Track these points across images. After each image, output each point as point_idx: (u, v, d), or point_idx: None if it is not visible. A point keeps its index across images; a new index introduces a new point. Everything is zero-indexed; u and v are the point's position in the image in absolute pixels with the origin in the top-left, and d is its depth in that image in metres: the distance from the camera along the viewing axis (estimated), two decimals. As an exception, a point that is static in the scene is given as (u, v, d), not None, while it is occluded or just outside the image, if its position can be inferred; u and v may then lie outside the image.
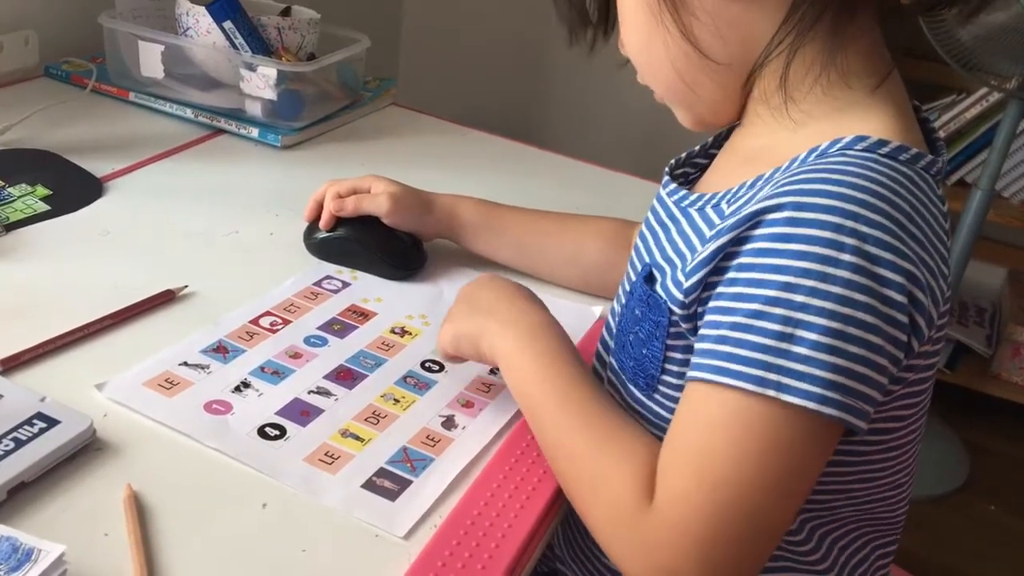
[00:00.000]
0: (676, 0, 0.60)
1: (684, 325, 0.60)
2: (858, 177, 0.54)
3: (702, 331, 0.57)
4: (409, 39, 2.17)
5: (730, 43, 0.61)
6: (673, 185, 0.69)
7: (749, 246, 0.55)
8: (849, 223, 0.52)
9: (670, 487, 0.56)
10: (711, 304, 0.57)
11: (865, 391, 0.53)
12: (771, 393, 0.52)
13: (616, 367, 0.69)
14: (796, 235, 0.53)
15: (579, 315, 0.85)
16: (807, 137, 0.60)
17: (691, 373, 0.56)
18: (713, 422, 0.55)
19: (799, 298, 0.52)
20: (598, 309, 0.86)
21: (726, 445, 0.54)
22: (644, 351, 0.64)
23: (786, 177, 0.57)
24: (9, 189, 0.91)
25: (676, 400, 0.61)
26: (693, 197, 0.66)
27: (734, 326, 0.54)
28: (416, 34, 2.16)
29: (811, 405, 0.52)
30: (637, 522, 0.57)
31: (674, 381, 0.63)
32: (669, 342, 0.62)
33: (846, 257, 0.52)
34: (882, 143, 0.57)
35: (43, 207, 0.90)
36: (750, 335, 0.53)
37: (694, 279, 0.58)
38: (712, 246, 0.57)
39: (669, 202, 0.68)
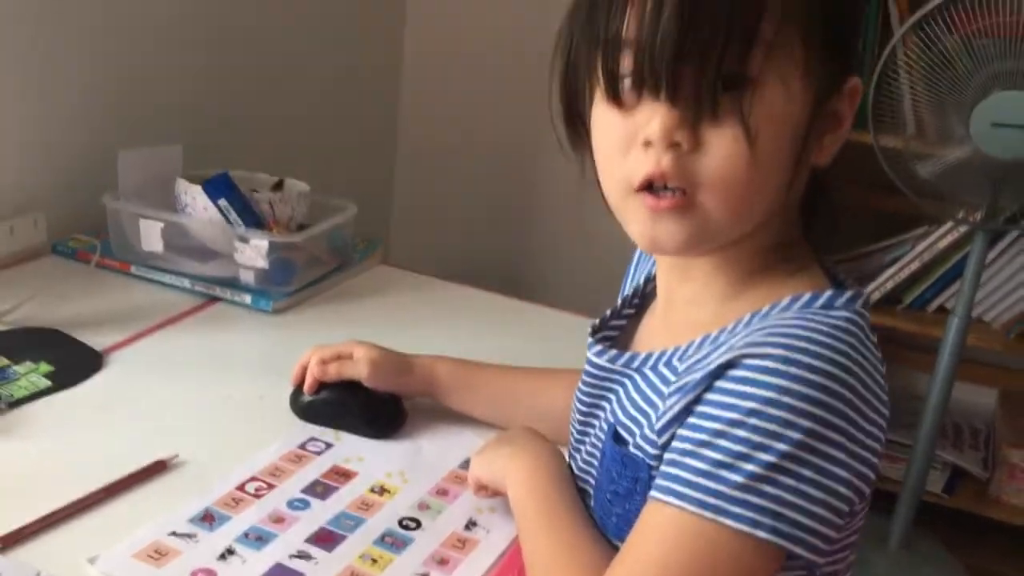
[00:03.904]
0: (810, 139, 0.63)
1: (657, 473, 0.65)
2: (806, 330, 0.60)
3: (664, 456, 0.63)
4: (401, 199, 2.27)
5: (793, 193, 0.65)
6: (601, 348, 0.73)
7: (715, 384, 0.61)
8: (799, 372, 0.58)
9: None
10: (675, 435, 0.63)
11: (802, 520, 0.58)
12: (709, 515, 0.58)
13: (599, 524, 0.72)
14: (753, 379, 0.59)
15: (551, 467, 0.89)
16: (756, 298, 0.65)
17: (651, 493, 0.62)
18: (654, 534, 0.61)
19: (742, 433, 0.58)
20: (570, 460, 0.90)
21: (660, 554, 0.60)
22: (627, 506, 0.68)
23: (750, 333, 0.62)
24: (15, 367, 0.97)
25: None
26: (642, 357, 0.70)
27: (683, 452, 0.61)
28: (408, 194, 2.27)
29: (757, 532, 0.58)
30: None
31: None
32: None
33: (788, 400, 0.57)
34: (816, 296, 0.63)
35: (45, 383, 0.95)
36: (696, 461, 0.60)
37: (667, 435, 0.63)
38: (683, 401, 0.62)
39: (612, 365, 0.71)
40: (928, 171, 1.66)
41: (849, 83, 0.64)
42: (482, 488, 0.82)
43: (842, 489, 0.59)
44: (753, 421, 0.58)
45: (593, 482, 0.73)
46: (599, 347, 0.73)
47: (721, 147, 0.60)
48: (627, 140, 0.63)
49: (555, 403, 0.92)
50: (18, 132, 1.25)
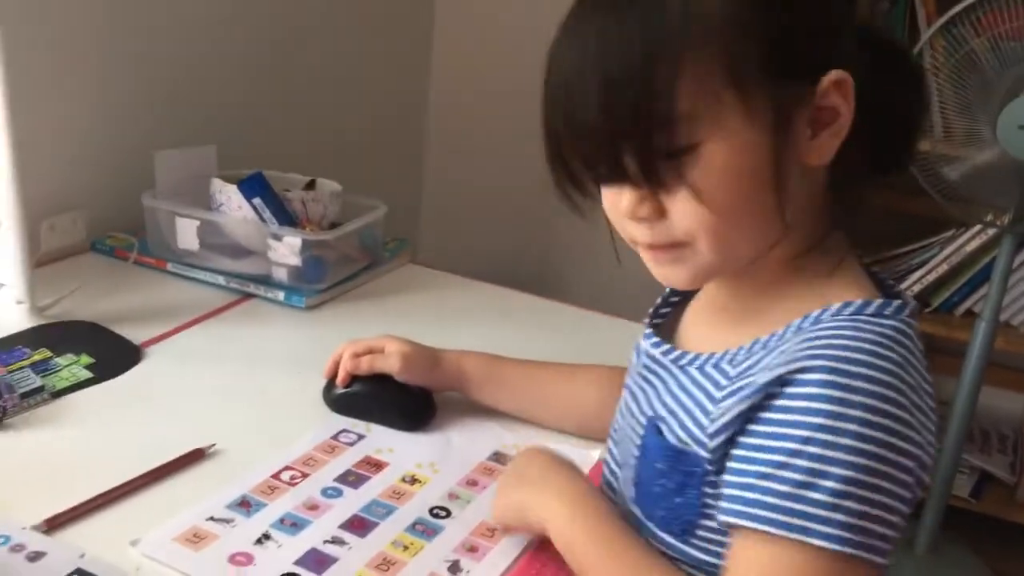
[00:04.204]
0: (785, 163, 0.62)
1: (714, 477, 0.65)
2: (856, 340, 0.61)
3: (729, 477, 0.63)
4: (430, 197, 2.30)
5: (797, 210, 0.65)
6: (659, 341, 0.73)
7: (776, 402, 0.61)
8: (856, 383, 0.59)
9: None
10: (736, 452, 0.63)
11: (880, 530, 0.59)
12: (795, 536, 0.58)
13: (640, 516, 0.72)
14: (814, 394, 0.59)
15: (578, 459, 0.90)
16: (801, 298, 0.66)
17: (723, 518, 0.62)
18: (746, 563, 0.61)
19: (815, 449, 0.58)
20: (596, 453, 0.92)
21: None
22: (677, 500, 0.68)
23: (804, 341, 0.62)
24: (57, 359, 1.00)
25: (717, 543, 0.66)
26: (691, 356, 0.70)
27: (760, 475, 0.60)
28: (437, 193, 2.29)
29: (844, 549, 0.58)
30: None
31: (715, 525, 0.66)
32: (706, 489, 0.66)
33: (855, 413, 0.58)
34: (866, 304, 0.63)
35: (86, 374, 0.98)
36: (775, 484, 0.60)
37: (722, 437, 0.64)
38: (738, 407, 0.63)
39: (664, 359, 0.72)
40: (955, 174, 1.66)
41: (825, 81, 0.62)
42: (508, 529, 0.79)
43: (908, 494, 0.60)
44: (824, 436, 0.58)
45: (632, 462, 0.73)
46: (655, 338, 0.74)
47: (683, 211, 0.63)
48: (616, 210, 0.67)
49: (582, 398, 0.94)
50: (58, 134, 1.28)
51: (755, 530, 0.60)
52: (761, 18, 0.60)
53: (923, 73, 0.70)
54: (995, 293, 1.76)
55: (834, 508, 0.58)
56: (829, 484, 0.58)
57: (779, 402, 0.61)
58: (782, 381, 0.61)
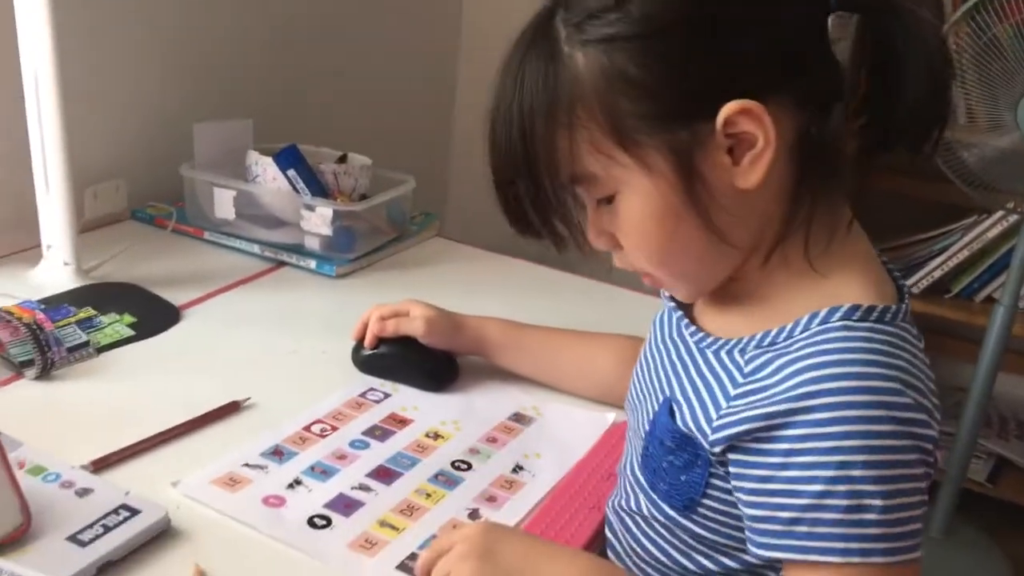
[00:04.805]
0: (701, 201, 0.62)
1: (715, 459, 0.67)
2: (868, 353, 0.61)
3: (762, 512, 0.62)
4: (458, 172, 2.34)
5: (750, 227, 0.65)
6: (686, 318, 0.74)
7: (796, 431, 0.60)
8: (878, 398, 0.60)
9: None
10: (765, 486, 0.62)
11: (917, 526, 0.61)
12: (856, 559, 0.59)
13: (646, 485, 0.74)
14: (838, 418, 0.59)
15: (593, 421, 0.95)
16: (803, 292, 0.66)
17: (770, 554, 0.62)
18: None
19: (857, 472, 0.59)
20: (611, 416, 0.96)
21: None
22: (683, 478, 0.70)
23: (813, 355, 0.62)
24: (101, 317, 1.05)
25: (717, 521, 0.68)
26: (710, 340, 0.71)
27: (804, 507, 0.60)
28: (464, 168, 2.34)
29: (899, 558, 0.60)
30: None
31: (716, 505, 0.68)
32: (712, 469, 0.68)
33: (885, 427, 0.59)
34: (871, 309, 0.63)
35: (129, 332, 1.04)
36: (823, 513, 0.59)
37: (723, 434, 0.65)
38: (750, 411, 0.63)
39: (690, 339, 0.72)
40: (977, 160, 1.68)
41: (721, 116, 0.60)
42: None
43: (926, 484, 0.62)
44: (861, 457, 0.59)
45: (643, 433, 0.74)
46: (679, 312, 0.75)
47: (627, 250, 0.68)
48: None
49: (599, 364, 0.98)
50: (102, 107, 1.34)
51: (815, 563, 0.60)
52: (632, 78, 0.60)
53: (933, 47, 0.64)
54: (1014, 280, 1.77)
55: (886, 524, 0.59)
56: (877, 503, 0.58)
57: (799, 431, 0.60)
58: (795, 410, 0.61)
